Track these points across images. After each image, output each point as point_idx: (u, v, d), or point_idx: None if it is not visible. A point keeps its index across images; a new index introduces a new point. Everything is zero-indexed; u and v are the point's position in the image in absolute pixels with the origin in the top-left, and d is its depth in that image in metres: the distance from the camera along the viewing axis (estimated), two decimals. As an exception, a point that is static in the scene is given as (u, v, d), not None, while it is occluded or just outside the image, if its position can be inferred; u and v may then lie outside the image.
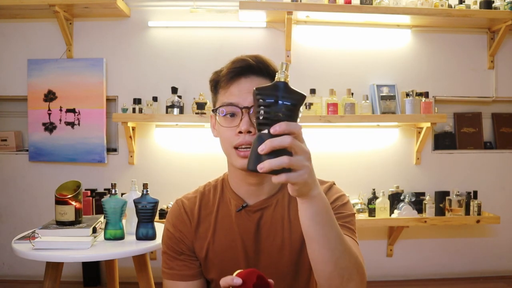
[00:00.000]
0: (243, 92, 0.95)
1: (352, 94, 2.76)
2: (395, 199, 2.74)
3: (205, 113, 2.62)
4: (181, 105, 2.66)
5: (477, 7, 2.78)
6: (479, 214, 2.73)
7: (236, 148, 0.95)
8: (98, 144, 2.76)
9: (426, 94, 2.75)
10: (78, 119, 2.77)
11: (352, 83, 2.82)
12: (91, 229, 1.71)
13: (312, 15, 2.72)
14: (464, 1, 2.79)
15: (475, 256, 2.97)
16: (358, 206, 2.71)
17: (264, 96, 0.69)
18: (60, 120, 2.78)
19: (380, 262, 2.91)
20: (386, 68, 2.90)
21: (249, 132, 0.93)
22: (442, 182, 2.91)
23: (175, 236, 1.04)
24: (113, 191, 1.78)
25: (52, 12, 2.60)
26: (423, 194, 2.82)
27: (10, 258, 2.79)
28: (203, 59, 2.81)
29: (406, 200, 2.69)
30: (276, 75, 0.71)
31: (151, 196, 1.78)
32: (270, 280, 0.81)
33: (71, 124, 2.77)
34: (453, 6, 2.78)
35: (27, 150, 2.83)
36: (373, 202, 2.70)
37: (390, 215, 2.70)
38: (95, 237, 1.73)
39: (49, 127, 2.79)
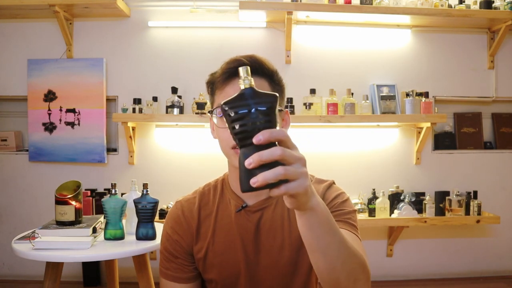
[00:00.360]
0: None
1: (352, 94, 2.76)
2: (395, 199, 2.74)
3: (205, 113, 2.62)
4: (181, 105, 2.66)
5: (477, 7, 2.78)
6: (479, 214, 2.73)
7: (234, 148, 0.95)
8: (98, 144, 2.76)
9: (426, 94, 2.75)
10: (78, 119, 2.77)
11: (352, 83, 2.82)
12: (91, 229, 1.71)
13: (312, 15, 2.72)
14: (464, 1, 2.79)
15: (475, 256, 2.97)
16: (358, 206, 2.71)
17: (235, 109, 0.61)
18: (60, 120, 2.78)
19: (380, 262, 2.91)
20: (386, 68, 2.90)
21: None
22: (442, 182, 2.91)
23: (172, 238, 1.05)
24: (113, 191, 1.78)
25: (52, 12, 2.60)
26: (423, 194, 2.82)
27: (10, 258, 2.79)
28: (203, 59, 2.81)
29: (406, 200, 2.69)
30: (240, 83, 0.63)
31: (151, 196, 1.78)
32: None
33: (71, 124, 2.77)
34: (453, 6, 2.78)
35: (27, 150, 2.83)
36: (373, 202, 2.70)
37: (390, 215, 2.70)
38: (95, 237, 1.73)
39: (49, 127, 2.79)
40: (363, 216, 2.69)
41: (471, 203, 2.74)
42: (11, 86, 2.83)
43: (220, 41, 2.82)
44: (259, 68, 0.97)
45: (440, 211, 2.75)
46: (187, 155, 2.82)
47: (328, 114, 2.66)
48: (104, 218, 1.81)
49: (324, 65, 2.86)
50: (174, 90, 2.67)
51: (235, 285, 1.02)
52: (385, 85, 2.82)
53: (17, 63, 2.82)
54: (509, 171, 2.97)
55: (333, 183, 1.06)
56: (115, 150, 2.85)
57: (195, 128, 2.79)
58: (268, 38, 2.85)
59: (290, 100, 2.66)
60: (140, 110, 2.64)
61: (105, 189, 2.75)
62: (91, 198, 2.47)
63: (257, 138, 0.59)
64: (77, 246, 1.64)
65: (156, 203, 1.78)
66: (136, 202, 1.77)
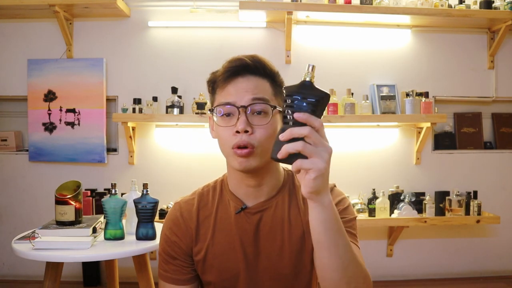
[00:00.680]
0: (240, 91, 0.93)
1: (352, 94, 2.76)
2: (395, 199, 2.74)
3: (205, 113, 2.62)
4: (181, 105, 2.66)
5: (477, 7, 2.78)
6: (479, 214, 2.73)
7: (234, 148, 0.93)
8: (98, 144, 2.76)
9: (426, 94, 2.75)
10: (78, 119, 2.77)
11: (352, 83, 2.82)
12: (91, 229, 1.71)
13: (312, 15, 2.72)
14: (464, 1, 2.79)
15: (475, 256, 2.97)
16: (358, 206, 2.71)
17: (290, 93, 0.74)
18: (60, 120, 2.78)
19: (380, 262, 2.91)
20: (386, 68, 2.90)
21: (246, 131, 0.91)
22: (442, 182, 2.91)
23: (171, 240, 1.04)
24: (113, 191, 1.78)
25: (52, 12, 2.60)
26: (423, 194, 2.82)
27: (10, 258, 2.79)
28: (203, 59, 2.81)
29: (406, 200, 2.69)
30: (303, 75, 0.76)
31: (151, 196, 1.78)
32: None
33: (71, 124, 2.78)
34: (453, 6, 2.78)
35: (27, 150, 2.83)
36: (373, 202, 2.70)
37: (390, 215, 2.70)
38: (95, 237, 1.73)
39: (49, 127, 2.79)
40: (363, 216, 2.69)
41: (471, 203, 2.74)
42: (11, 86, 2.83)
43: (220, 41, 2.82)
44: (260, 67, 0.96)
45: (440, 211, 2.75)
46: (187, 155, 2.82)
47: (328, 114, 2.66)
48: (104, 218, 1.81)
49: (324, 65, 2.86)
50: (174, 90, 2.67)
51: (234, 286, 1.01)
52: (385, 85, 2.82)
53: (17, 63, 2.82)
54: (509, 171, 2.98)
55: (334, 186, 1.06)
56: (115, 150, 2.85)
57: (195, 128, 2.79)
58: (268, 38, 2.85)
59: (290, 100, 2.66)
60: (140, 110, 2.64)
61: (105, 189, 2.75)
62: (91, 198, 2.47)
63: (298, 115, 0.71)
64: (77, 246, 1.64)
65: (156, 203, 1.78)
66: (136, 202, 1.77)
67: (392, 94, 2.78)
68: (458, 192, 2.74)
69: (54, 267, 1.68)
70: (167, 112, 2.65)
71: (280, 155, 0.72)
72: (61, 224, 1.72)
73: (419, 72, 2.91)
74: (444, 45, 2.93)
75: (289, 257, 1.00)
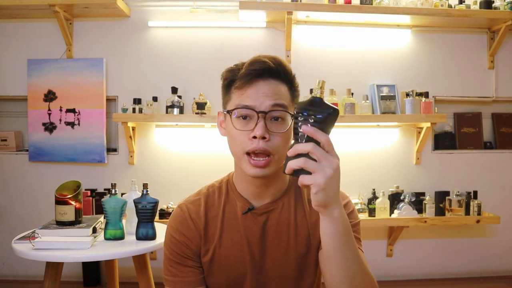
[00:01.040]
0: (260, 95, 0.91)
1: (352, 94, 2.76)
2: (395, 199, 2.74)
3: (205, 113, 2.62)
4: (181, 105, 2.66)
5: (477, 7, 2.78)
6: (479, 214, 2.73)
7: (248, 154, 0.92)
8: (98, 144, 2.76)
9: (426, 94, 2.75)
10: (78, 119, 2.77)
11: (352, 83, 2.82)
12: (91, 229, 1.71)
13: (312, 15, 2.72)
14: (464, 1, 2.79)
15: (475, 256, 2.97)
16: (358, 206, 2.71)
17: (301, 109, 0.77)
18: (60, 120, 2.78)
19: (380, 262, 2.91)
20: (386, 68, 2.90)
21: (263, 138, 0.90)
22: (442, 182, 2.91)
23: (179, 241, 1.01)
24: (113, 191, 1.78)
25: (52, 12, 2.60)
26: (423, 194, 2.82)
27: (10, 258, 2.79)
28: (203, 59, 2.80)
29: (406, 200, 2.69)
30: (313, 91, 0.78)
31: (151, 196, 1.78)
32: None
33: (71, 124, 2.78)
34: (453, 6, 2.78)
35: (27, 150, 2.83)
36: (373, 202, 2.70)
37: (390, 215, 2.70)
38: (95, 237, 1.73)
39: (49, 127, 2.79)
40: (363, 216, 2.69)
41: (471, 203, 2.74)
42: (11, 86, 2.83)
43: (220, 41, 2.82)
44: (282, 71, 0.95)
45: (440, 211, 2.75)
46: (187, 155, 2.82)
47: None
48: (104, 218, 1.81)
49: (324, 65, 2.86)
50: (174, 90, 2.67)
51: (240, 287, 1.01)
52: (385, 85, 2.82)
53: (17, 63, 2.82)
54: (509, 171, 2.98)
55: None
56: (115, 150, 2.85)
57: (195, 128, 2.79)
58: (268, 38, 2.85)
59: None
60: (140, 110, 2.64)
61: (105, 189, 2.75)
62: (91, 198, 2.47)
63: (305, 128, 0.74)
64: (77, 246, 1.64)
65: (156, 203, 1.79)
66: (136, 202, 1.77)
67: (392, 94, 2.78)
68: (458, 192, 2.74)
69: (54, 267, 1.68)
70: (167, 112, 2.65)
71: (286, 171, 0.75)
72: (61, 224, 1.72)
73: (419, 72, 2.91)
74: (444, 45, 2.93)
75: (295, 259, 1.00)
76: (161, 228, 1.92)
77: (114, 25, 2.83)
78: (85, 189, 2.62)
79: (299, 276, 1.00)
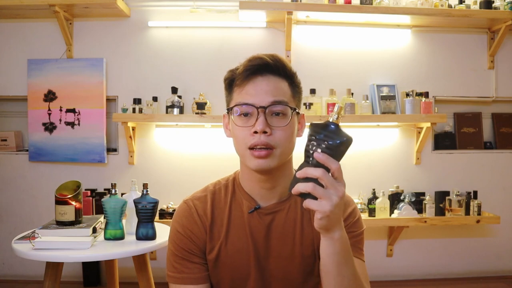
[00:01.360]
0: (259, 91, 0.92)
1: (352, 94, 2.76)
2: (395, 199, 2.74)
3: (205, 113, 2.62)
4: (181, 105, 2.66)
5: (477, 7, 2.78)
6: (479, 214, 2.73)
7: (250, 148, 0.92)
8: (98, 144, 2.76)
9: (426, 94, 2.75)
10: (78, 119, 2.77)
11: (352, 83, 2.82)
12: (91, 229, 1.71)
13: (312, 15, 2.72)
14: (464, 1, 2.79)
15: (475, 256, 2.97)
16: (358, 206, 2.70)
17: (315, 132, 0.77)
18: (60, 120, 2.78)
19: (380, 262, 2.91)
20: (386, 68, 2.90)
21: (264, 132, 0.90)
22: (442, 182, 2.91)
23: (185, 237, 1.00)
24: (113, 191, 1.78)
25: (52, 12, 2.60)
26: (423, 194, 2.82)
27: (10, 258, 2.79)
28: (203, 59, 2.80)
29: (406, 200, 2.69)
30: (330, 115, 0.78)
31: (151, 196, 1.78)
32: None
33: (71, 124, 2.78)
34: (453, 6, 2.78)
35: (27, 150, 2.83)
36: (373, 202, 2.70)
37: (390, 215, 2.70)
38: (95, 237, 1.73)
39: (49, 127, 2.79)
40: (363, 216, 2.68)
41: (471, 203, 2.74)
42: (11, 86, 2.83)
43: (220, 41, 2.82)
44: (280, 67, 0.95)
45: (440, 211, 2.75)
46: (187, 155, 2.82)
47: (328, 114, 2.66)
48: (104, 218, 1.81)
49: (324, 65, 2.86)
50: (174, 90, 2.67)
51: (244, 286, 1.01)
52: (385, 85, 2.82)
53: (17, 63, 2.82)
54: (509, 171, 2.98)
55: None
56: (115, 150, 2.85)
57: (195, 128, 2.79)
58: (268, 38, 2.85)
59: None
60: (140, 110, 2.64)
61: (105, 189, 2.75)
62: (91, 198, 2.46)
63: (317, 155, 0.76)
64: (77, 246, 1.64)
65: (156, 203, 1.79)
66: (136, 202, 1.77)
67: (392, 94, 2.78)
68: (458, 192, 2.74)
69: (54, 267, 1.68)
70: (167, 112, 2.65)
71: (293, 191, 0.77)
72: (61, 224, 1.72)
73: (419, 72, 2.91)
74: (444, 45, 2.93)
75: (299, 261, 0.99)
76: (161, 228, 1.92)
77: (114, 25, 2.83)
78: (85, 189, 2.62)
79: (303, 278, 1.00)
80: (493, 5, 2.77)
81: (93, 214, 2.48)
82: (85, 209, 2.17)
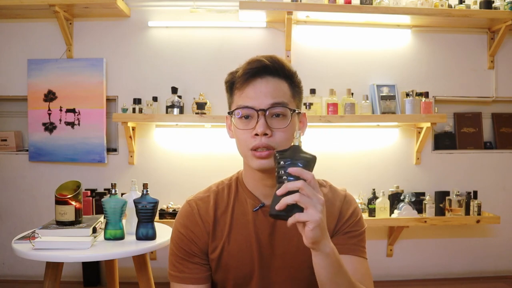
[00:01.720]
0: (259, 94, 0.94)
1: (352, 94, 2.76)
2: (395, 199, 2.74)
3: (205, 113, 2.62)
4: (181, 105, 2.66)
5: (477, 7, 2.78)
6: (479, 214, 2.73)
7: (252, 149, 0.94)
8: (98, 144, 2.76)
9: (426, 94, 2.75)
10: (78, 119, 2.77)
11: (352, 83, 2.82)
12: (91, 229, 1.71)
13: (312, 15, 2.72)
14: (464, 1, 2.79)
15: (475, 256, 2.97)
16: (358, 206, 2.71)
17: (283, 157, 0.83)
18: (60, 120, 2.78)
19: (380, 262, 2.91)
20: (386, 68, 2.90)
21: (265, 134, 0.92)
22: (442, 182, 2.91)
23: (186, 237, 1.01)
24: (113, 191, 1.78)
25: (52, 12, 2.60)
26: (423, 194, 2.82)
27: (10, 258, 2.79)
28: (203, 59, 2.80)
29: (406, 200, 2.69)
30: (293, 142, 0.85)
31: (151, 196, 1.78)
32: None
33: (71, 124, 2.78)
34: (453, 6, 2.78)
35: (27, 150, 2.83)
36: (373, 202, 2.70)
37: (390, 215, 2.70)
38: (95, 237, 1.73)
39: (49, 127, 2.79)
40: (363, 216, 2.68)
41: (471, 203, 2.74)
42: (11, 86, 2.83)
43: (220, 41, 2.82)
44: (279, 68, 0.96)
45: (440, 211, 2.75)
46: (187, 155, 2.82)
47: (328, 114, 2.66)
48: (104, 218, 1.81)
49: (324, 65, 2.86)
50: (174, 90, 2.67)
51: (247, 285, 1.01)
52: (385, 85, 2.82)
53: (17, 63, 2.82)
54: (509, 171, 2.98)
55: (347, 192, 1.08)
56: (115, 150, 2.85)
57: (195, 128, 2.79)
58: (268, 38, 2.85)
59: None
60: (140, 110, 2.64)
61: (105, 189, 2.75)
62: (91, 198, 2.46)
63: (292, 169, 0.80)
64: (77, 246, 1.64)
65: (156, 203, 1.79)
66: (136, 202, 1.77)
67: (392, 94, 2.78)
68: (458, 192, 2.74)
69: (54, 267, 1.68)
70: (167, 112, 2.65)
71: (278, 206, 0.78)
72: (61, 224, 1.72)
73: (419, 72, 2.91)
74: (444, 45, 2.93)
75: (304, 260, 0.99)
76: (161, 228, 1.92)
77: (114, 25, 2.82)
78: (85, 189, 2.62)
79: (308, 277, 1.00)
80: (493, 5, 2.77)
81: (93, 214, 2.48)
82: (85, 209, 2.17)
